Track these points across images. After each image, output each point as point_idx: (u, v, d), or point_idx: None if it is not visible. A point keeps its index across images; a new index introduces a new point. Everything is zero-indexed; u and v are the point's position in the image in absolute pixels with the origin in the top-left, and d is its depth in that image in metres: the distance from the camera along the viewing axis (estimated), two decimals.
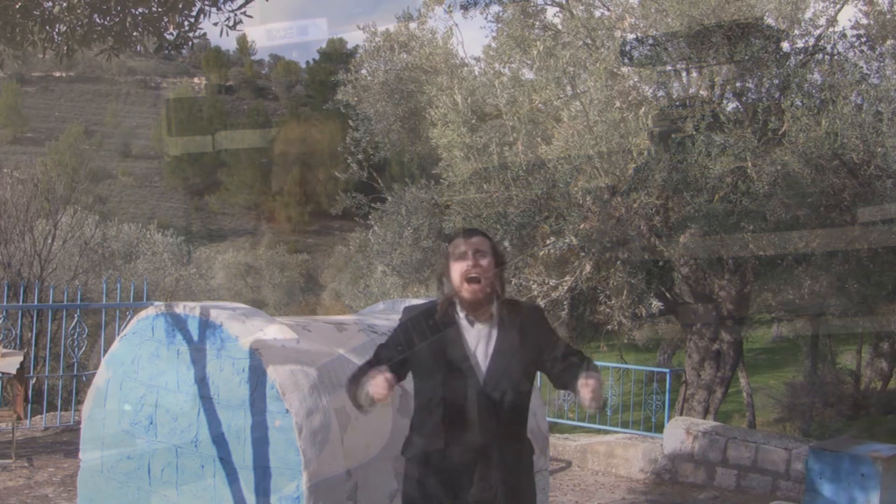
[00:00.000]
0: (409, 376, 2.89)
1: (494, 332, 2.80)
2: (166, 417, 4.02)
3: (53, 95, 74.69)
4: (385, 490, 3.78)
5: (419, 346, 2.78)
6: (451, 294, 2.81)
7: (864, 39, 8.28)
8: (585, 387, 2.59)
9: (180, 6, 4.18)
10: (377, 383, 2.58)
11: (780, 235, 7.74)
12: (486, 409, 2.73)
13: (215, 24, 4.28)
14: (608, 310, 8.19)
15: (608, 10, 8.61)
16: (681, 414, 8.88)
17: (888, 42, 8.07)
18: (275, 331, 3.82)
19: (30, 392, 7.83)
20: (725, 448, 6.90)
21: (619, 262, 7.94)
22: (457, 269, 2.77)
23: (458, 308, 2.82)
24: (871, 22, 8.18)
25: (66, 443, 7.06)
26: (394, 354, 2.79)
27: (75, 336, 7.82)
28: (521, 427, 2.86)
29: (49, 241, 12.91)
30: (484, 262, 2.76)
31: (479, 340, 2.80)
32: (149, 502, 4.05)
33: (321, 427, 3.54)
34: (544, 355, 2.82)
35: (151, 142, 67.83)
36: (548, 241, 7.86)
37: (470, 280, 2.73)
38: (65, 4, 4.00)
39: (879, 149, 7.24)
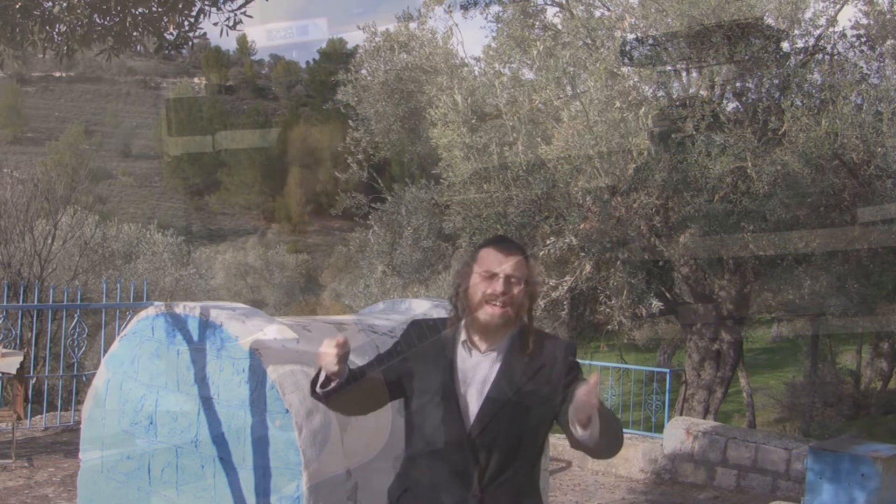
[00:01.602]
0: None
1: (497, 366, 2.29)
2: (166, 417, 4.02)
3: (53, 95, 74.72)
4: (385, 490, 3.78)
5: (409, 371, 2.34)
6: (463, 312, 2.33)
7: (864, 39, 8.28)
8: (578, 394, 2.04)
9: (180, 6, 4.18)
10: (324, 352, 2.17)
11: (780, 235, 7.74)
12: (475, 461, 2.24)
13: (215, 24, 4.30)
14: (608, 310, 8.19)
15: (608, 10, 8.61)
16: (681, 414, 8.88)
17: (888, 42, 8.08)
18: (275, 331, 3.82)
19: (30, 392, 7.83)
20: (725, 448, 6.90)
21: (619, 262, 7.94)
22: (480, 288, 2.27)
23: (461, 330, 2.34)
24: (871, 22, 8.18)
25: (66, 443, 7.06)
26: (382, 371, 2.35)
27: (75, 336, 7.82)
28: (524, 487, 2.32)
29: (49, 241, 12.91)
30: (517, 290, 2.27)
31: (476, 374, 2.29)
32: (149, 502, 4.05)
33: (321, 427, 3.53)
34: (562, 407, 2.24)
35: (151, 142, 67.88)
36: (548, 241, 7.86)
37: (493, 302, 2.26)
38: (65, 4, 4.01)
39: (879, 149, 7.25)
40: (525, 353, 2.28)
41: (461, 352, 2.31)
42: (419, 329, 2.39)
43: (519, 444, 2.27)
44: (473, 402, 2.26)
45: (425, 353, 2.33)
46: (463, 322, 2.34)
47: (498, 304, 2.24)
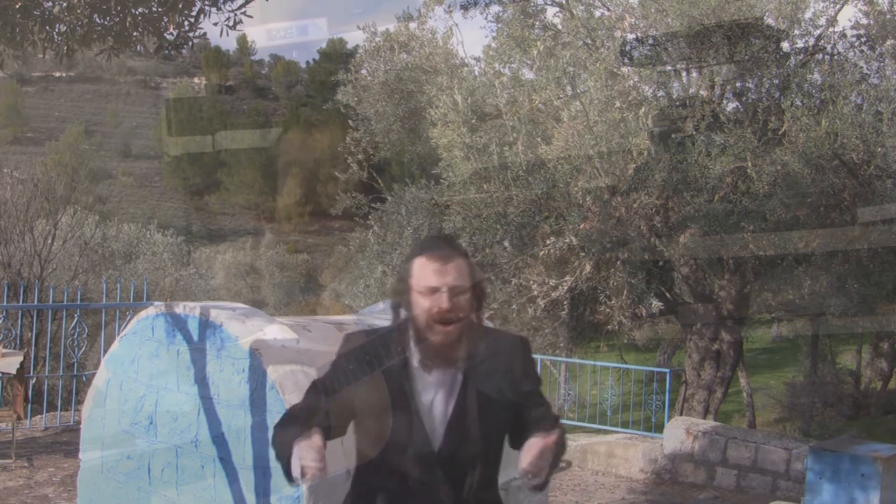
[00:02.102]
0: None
1: (459, 379, 2.08)
2: (166, 417, 4.02)
3: (53, 95, 74.71)
4: None
5: (355, 392, 2.10)
6: (410, 330, 2.10)
7: (864, 39, 8.29)
8: (530, 450, 1.89)
9: (180, 6, 4.19)
10: (306, 458, 1.90)
11: (780, 235, 7.74)
12: (443, 483, 2.08)
13: (215, 24, 4.30)
14: (608, 310, 8.19)
15: (608, 10, 8.62)
16: (681, 414, 8.88)
17: (888, 42, 8.08)
18: (275, 331, 3.82)
19: (30, 392, 7.83)
20: (725, 448, 6.90)
21: (619, 262, 7.95)
22: (423, 306, 2.03)
23: (413, 346, 2.10)
24: (871, 22, 8.19)
25: (66, 443, 7.06)
26: (323, 400, 2.12)
27: (75, 336, 7.82)
28: (493, 498, 2.22)
29: (49, 241, 12.92)
30: (463, 299, 2.04)
31: (438, 391, 2.09)
32: (149, 502, 4.05)
33: None
34: (517, 406, 2.10)
35: (151, 142, 67.88)
36: (548, 241, 7.86)
37: (444, 322, 2.02)
38: (65, 4, 4.01)
39: (879, 149, 7.26)
40: (483, 359, 2.09)
41: (417, 368, 2.10)
42: (357, 342, 2.19)
43: (490, 455, 2.15)
44: (439, 419, 2.08)
45: (375, 371, 2.10)
46: (412, 337, 2.10)
47: (447, 320, 2.02)
